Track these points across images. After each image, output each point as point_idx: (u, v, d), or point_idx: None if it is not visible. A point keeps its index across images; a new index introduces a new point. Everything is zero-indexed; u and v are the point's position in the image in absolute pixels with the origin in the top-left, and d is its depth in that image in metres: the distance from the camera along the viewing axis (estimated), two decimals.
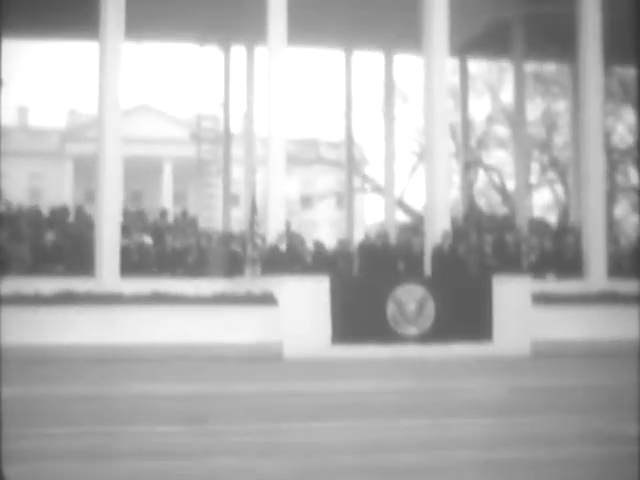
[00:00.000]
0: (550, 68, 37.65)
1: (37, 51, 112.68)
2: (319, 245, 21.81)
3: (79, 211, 22.25)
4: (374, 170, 44.22)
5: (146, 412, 10.02)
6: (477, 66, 37.60)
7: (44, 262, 19.61)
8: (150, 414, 9.85)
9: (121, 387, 12.89)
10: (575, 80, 25.61)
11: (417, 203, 39.36)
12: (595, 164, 22.22)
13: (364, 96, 38.33)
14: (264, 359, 17.50)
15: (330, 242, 23.97)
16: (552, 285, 20.37)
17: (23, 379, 13.13)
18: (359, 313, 18.37)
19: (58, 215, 21.54)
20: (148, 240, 20.72)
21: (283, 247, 19.78)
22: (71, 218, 21.60)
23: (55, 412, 10.01)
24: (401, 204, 39.87)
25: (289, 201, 25.04)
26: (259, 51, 26.49)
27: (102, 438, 8.07)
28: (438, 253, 20.13)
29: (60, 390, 12.30)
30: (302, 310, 18.21)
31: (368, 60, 34.58)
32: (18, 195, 47.24)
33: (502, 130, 42.38)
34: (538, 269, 20.87)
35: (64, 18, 22.94)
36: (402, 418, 9.55)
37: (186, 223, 22.77)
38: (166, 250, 20.69)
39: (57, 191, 57.83)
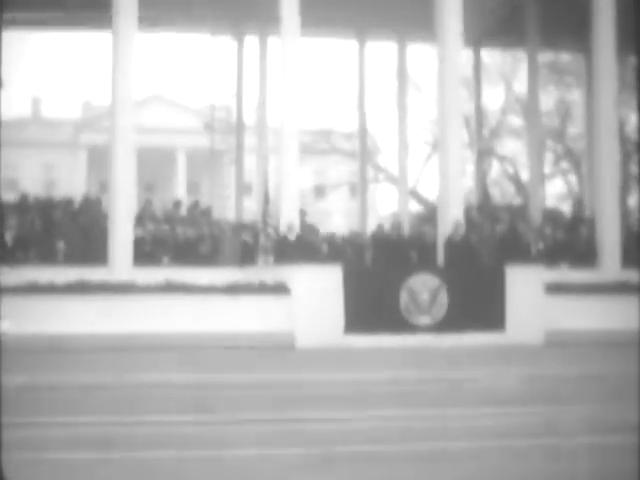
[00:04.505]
0: (564, 58, 37.47)
1: (50, 42, 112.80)
2: (332, 235, 21.81)
3: (93, 201, 22.29)
4: (387, 160, 44.15)
5: (158, 401, 10.05)
6: (491, 56, 37.42)
7: (57, 252, 19.67)
8: (162, 403, 9.88)
9: (133, 376, 12.92)
10: (589, 70, 25.52)
11: (430, 193, 39.32)
12: (609, 154, 22.15)
13: (377, 86, 38.25)
14: (277, 348, 17.53)
15: (344, 232, 23.94)
16: (565, 274, 20.34)
17: (36, 368, 13.20)
18: (372, 302, 18.37)
19: (72, 205, 21.59)
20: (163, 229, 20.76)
21: (293, 237, 19.77)
22: (85, 208, 21.64)
23: (67, 401, 10.04)
24: (414, 194, 39.82)
25: (302, 191, 24.98)
26: (272, 41, 26.47)
27: (114, 427, 8.10)
28: (450, 243, 20.11)
29: (73, 379, 12.34)
30: (315, 299, 18.22)
31: (381, 50, 34.51)
32: (32, 186, 47.42)
33: (516, 120, 42.22)
34: (551, 258, 20.81)
35: (77, 8, 22.98)
36: (414, 408, 9.56)
37: (199, 213, 22.79)
38: (179, 240, 20.73)
39: (71, 181, 58.01)
